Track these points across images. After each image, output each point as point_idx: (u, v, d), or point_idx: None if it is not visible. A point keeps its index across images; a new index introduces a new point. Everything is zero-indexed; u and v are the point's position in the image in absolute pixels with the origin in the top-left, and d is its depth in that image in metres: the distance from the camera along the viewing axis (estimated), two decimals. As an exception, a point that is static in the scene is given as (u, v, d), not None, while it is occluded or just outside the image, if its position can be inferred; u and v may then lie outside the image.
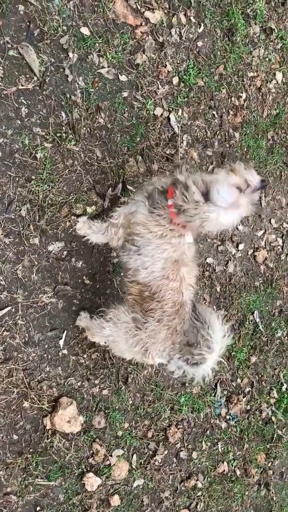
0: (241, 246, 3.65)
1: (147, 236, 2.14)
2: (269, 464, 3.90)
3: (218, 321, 2.11)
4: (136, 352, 2.34)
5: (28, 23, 2.54)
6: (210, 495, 3.47)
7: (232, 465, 3.63)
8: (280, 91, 3.81)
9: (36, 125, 2.60)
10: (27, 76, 2.55)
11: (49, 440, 2.68)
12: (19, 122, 2.54)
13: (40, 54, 2.58)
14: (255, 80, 3.62)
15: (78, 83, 2.73)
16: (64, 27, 2.65)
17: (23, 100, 2.55)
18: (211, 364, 2.15)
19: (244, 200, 1.96)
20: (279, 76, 3.78)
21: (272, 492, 3.92)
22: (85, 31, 2.72)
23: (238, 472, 3.65)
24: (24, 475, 2.61)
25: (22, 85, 2.54)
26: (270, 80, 3.74)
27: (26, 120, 2.56)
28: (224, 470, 3.57)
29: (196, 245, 3.31)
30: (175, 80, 3.15)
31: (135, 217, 2.20)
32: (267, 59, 3.68)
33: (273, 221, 3.88)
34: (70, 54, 2.68)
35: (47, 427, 2.68)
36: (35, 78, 2.58)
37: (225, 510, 3.58)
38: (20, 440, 2.61)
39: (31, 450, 2.63)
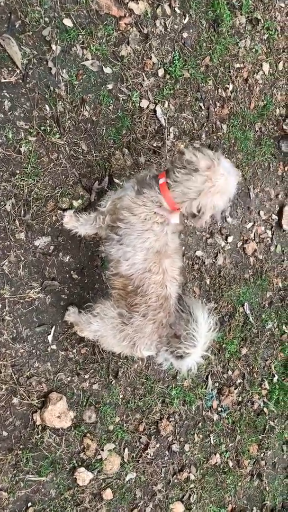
0: (230, 239, 3.64)
1: (131, 220, 2.13)
2: (262, 455, 3.92)
3: (202, 314, 2.10)
4: (125, 347, 2.34)
5: (9, 15, 2.50)
6: (203, 487, 3.49)
7: (225, 457, 3.64)
8: (267, 82, 3.79)
9: (19, 118, 2.56)
10: (9, 69, 2.52)
11: (39, 435, 2.67)
12: (2, 116, 2.51)
13: (22, 46, 2.54)
14: (242, 71, 3.60)
15: (62, 76, 2.69)
16: (46, 19, 2.62)
17: (5, 94, 2.51)
18: (195, 358, 2.14)
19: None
20: (266, 67, 3.76)
21: (265, 482, 3.95)
22: (67, 22, 2.69)
23: (230, 464, 3.67)
24: (15, 471, 2.60)
25: (4, 78, 2.50)
26: (257, 71, 3.72)
27: (9, 113, 2.53)
28: (217, 462, 3.59)
29: (182, 238, 3.31)
30: (161, 72, 3.13)
31: (122, 201, 2.20)
32: (253, 50, 3.66)
33: (262, 213, 3.88)
34: (53, 46, 2.65)
35: (37, 423, 2.67)
36: (18, 71, 2.54)
37: (218, 501, 3.61)
38: (10, 436, 2.59)
39: (21, 446, 2.62)
